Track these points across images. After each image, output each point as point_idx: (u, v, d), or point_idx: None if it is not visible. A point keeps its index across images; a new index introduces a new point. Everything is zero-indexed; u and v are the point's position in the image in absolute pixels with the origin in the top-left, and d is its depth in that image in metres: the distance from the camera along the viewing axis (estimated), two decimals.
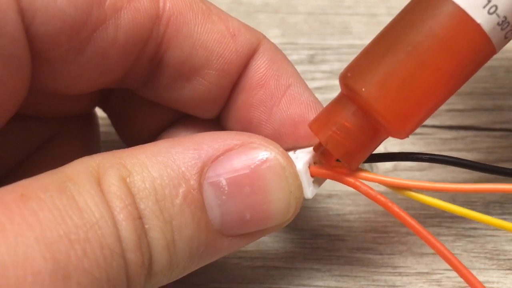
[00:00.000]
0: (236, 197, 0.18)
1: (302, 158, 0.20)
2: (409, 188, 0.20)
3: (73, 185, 0.16)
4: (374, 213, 0.25)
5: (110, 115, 0.25)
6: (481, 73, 0.30)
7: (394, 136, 0.20)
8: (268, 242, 0.25)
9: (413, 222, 0.20)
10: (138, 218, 0.17)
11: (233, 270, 0.24)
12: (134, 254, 0.17)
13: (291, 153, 0.21)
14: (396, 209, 0.20)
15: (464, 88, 0.30)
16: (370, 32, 0.32)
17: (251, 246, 0.25)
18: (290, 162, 0.19)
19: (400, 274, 0.24)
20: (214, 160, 0.18)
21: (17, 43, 0.18)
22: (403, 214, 0.20)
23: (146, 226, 0.17)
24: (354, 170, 0.20)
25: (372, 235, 0.25)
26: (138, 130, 0.24)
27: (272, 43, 0.22)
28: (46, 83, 0.20)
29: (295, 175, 0.19)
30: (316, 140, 0.20)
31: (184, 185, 0.18)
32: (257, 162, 0.19)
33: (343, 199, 0.26)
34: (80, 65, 0.20)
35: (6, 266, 0.15)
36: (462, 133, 0.28)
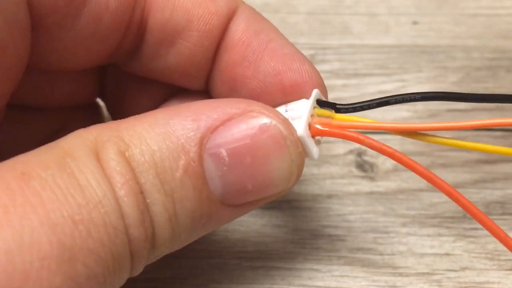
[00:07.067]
0: (237, 167, 0.18)
1: (300, 121, 0.20)
2: (413, 131, 0.20)
3: (72, 161, 0.16)
4: (374, 213, 0.25)
5: (106, 103, 0.26)
6: (481, 73, 0.30)
7: None
8: (268, 243, 0.25)
9: (423, 169, 0.19)
10: (140, 193, 0.17)
11: (234, 271, 0.24)
12: (137, 230, 0.17)
13: (281, 109, 0.21)
14: (404, 158, 0.19)
15: (465, 88, 0.30)
16: (370, 32, 0.32)
17: (251, 246, 0.25)
18: (291, 129, 0.19)
19: (400, 274, 0.24)
20: (213, 130, 0.18)
21: (19, 4, 0.18)
22: (411, 162, 0.19)
23: (148, 201, 0.17)
24: (354, 121, 0.20)
25: (373, 236, 0.25)
26: (132, 111, 0.24)
27: (250, 6, 0.22)
28: (45, 55, 0.20)
29: (296, 142, 0.19)
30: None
31: (184, 158, 0.18)
32: (257, 132, 0.18)
33: (343, 199, 0.26)
34: (77, 32, 0.20)
35: (12, 252, 0.15)
36: (462, 133, 0.28)
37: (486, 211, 0.25)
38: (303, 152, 0.19)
